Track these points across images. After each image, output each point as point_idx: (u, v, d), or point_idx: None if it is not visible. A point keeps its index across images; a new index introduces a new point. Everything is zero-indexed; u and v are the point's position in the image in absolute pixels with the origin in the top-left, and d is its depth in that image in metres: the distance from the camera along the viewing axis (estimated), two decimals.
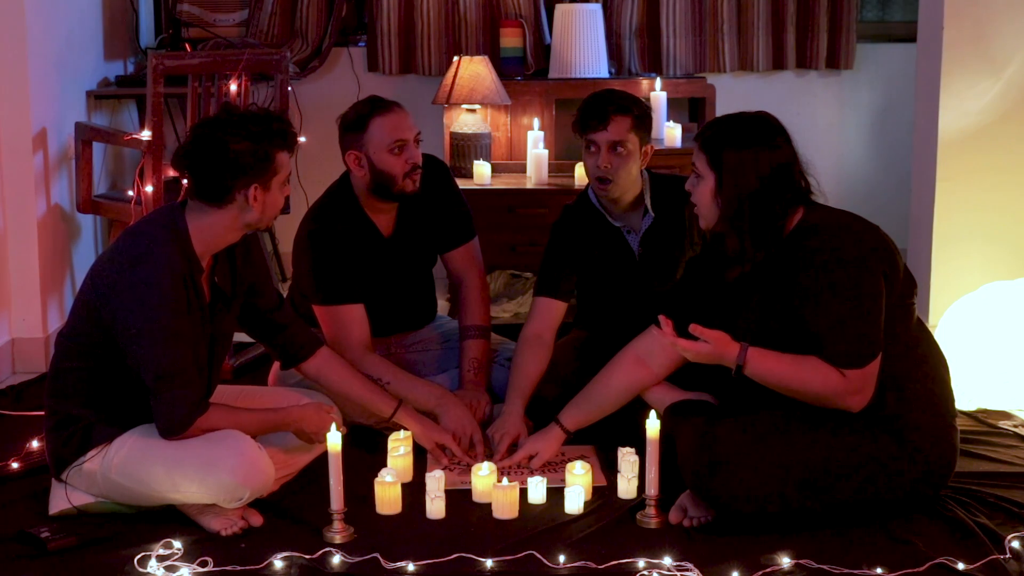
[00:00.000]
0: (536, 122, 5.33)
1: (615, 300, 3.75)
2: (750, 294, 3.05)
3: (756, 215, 2.95)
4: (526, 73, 5.60)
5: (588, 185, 3.74)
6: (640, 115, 3.58)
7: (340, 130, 3.72)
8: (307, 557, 2.88)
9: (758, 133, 2.98)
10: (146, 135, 4.35)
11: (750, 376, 2.93)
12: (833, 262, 2.88)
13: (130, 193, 4.43)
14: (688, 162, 3.25)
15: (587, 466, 3.25)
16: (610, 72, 5.62)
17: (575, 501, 3.15)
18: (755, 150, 2.95)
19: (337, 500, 2.98)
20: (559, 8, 5.48)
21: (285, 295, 3.90)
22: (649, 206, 3.66)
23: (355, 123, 3.63)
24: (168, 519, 3.07)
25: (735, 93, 5.54)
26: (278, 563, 2.85)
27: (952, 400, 3.07)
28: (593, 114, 3.55)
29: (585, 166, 3.64)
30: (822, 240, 2.92)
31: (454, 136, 5.23)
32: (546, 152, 5.16)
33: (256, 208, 3.02)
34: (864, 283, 2.89)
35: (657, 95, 5.27)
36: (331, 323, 3.64)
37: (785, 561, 2.83)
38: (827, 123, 5.96)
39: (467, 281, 3.87)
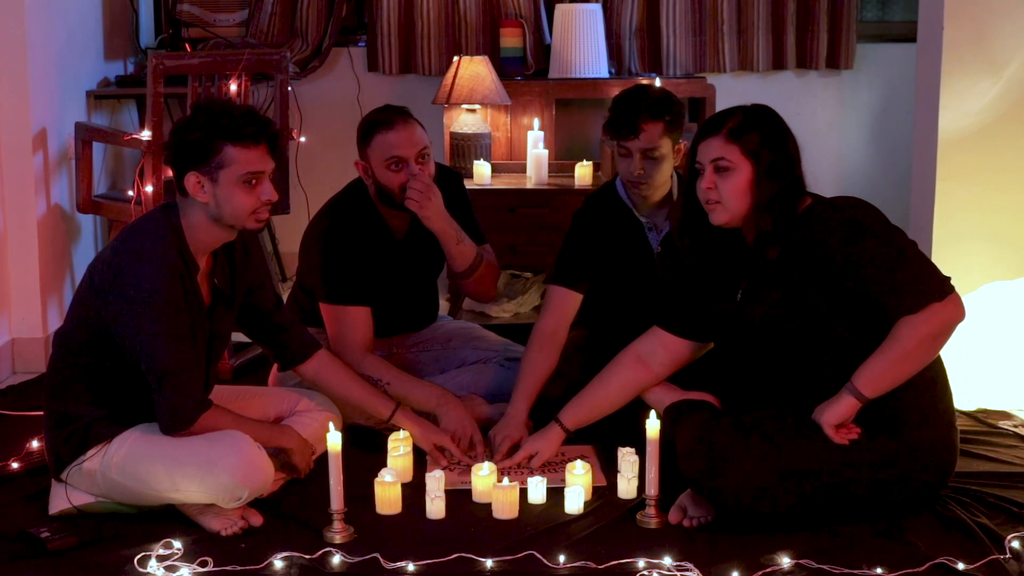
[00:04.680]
0: (536, 122, 5.33)
1: (627, 297, 3.72)
2: (760, 282, 3.04)
3: (787, 201, 2.98)
4: (526, 73, 5.60)
5: (615, 176, 3.71)
6: (672, 119, 3.54)
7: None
8: (307, 557, 2.88)
9: (780, 124, 3.03)
10: (146, 135, 4.35)
11: (876, 396, 2.92)
12: (865, 231, 2.91)
13: (130, 193, 4.44)
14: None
15: (587, 466, 3.25)
16: (610, 72, 5.62)
17: (575, 501, 3.15)
18: (783, 138, 3.00)
19: (337, 500, 2.98)
20: (559, 8, 5.48)
21: (285, 296, 3.91)
22: None
23: (363, 134, 3.63)
24: (168, 519, 3.07)
25: (735, 93, 5.53)
26: (278, 563, 2.85)
27: (951, 400, 3.07)
28: (623, 123, 3.51)
29: (618, 167, 3.61)
30: (843, 218, 2.94)
31: (454, 136, 5.23)
32: (546, 152, 5.17)
33: (206, 200, 3.00)
34: (900, 238, 2.93)
35: None
36: (335, 322, 3.63)
37: (785, 561, 2.83)
38: (827, 123, 5.97)
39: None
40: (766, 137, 2.99)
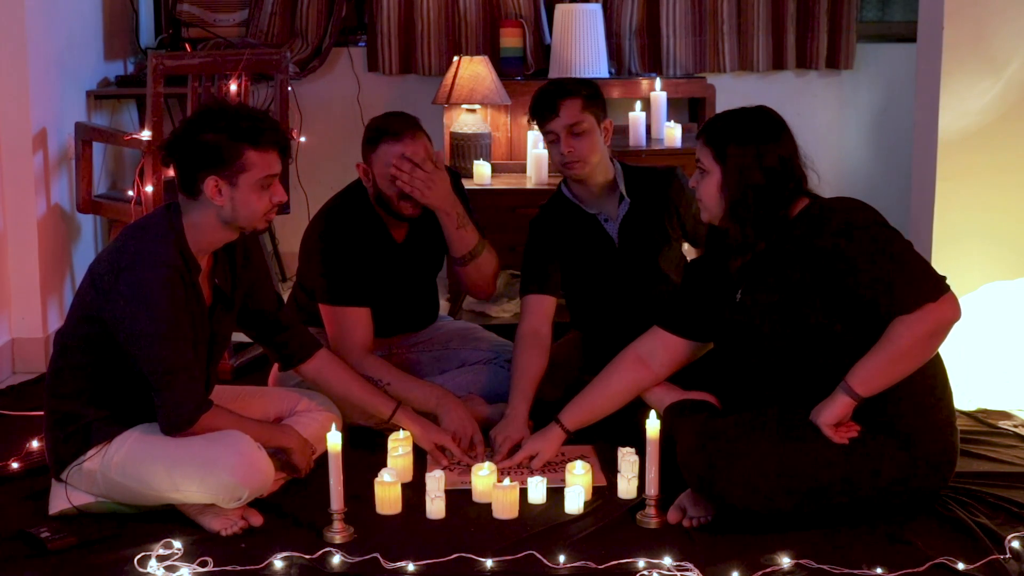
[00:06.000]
0: None
1: (600, 291, 3.77)
2: (757, 283, 3.05)
3: (760, 206, 2.98)
4: (526, 73, 5.60)
5: (560, 183, 3.77)
6: (588, 94, 3.63)
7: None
8: (307, 557, 2.88)
9: (761, 127, 3.02)
10: (146, 135, 4.36)
11: (871, 395, 2.92)
12: (860, 232, 2.91)
13: (130, 193, 4.44)
14: (689, 161, 3.27)
15: (587, 466, 3.25)
16: (610, 72, 5.62)
17: (575, 501, 3.15)
18: (760, 143, 2.99)
19: (337, 500, 2.98)
20: (559, 8, 5.48)
21: (286, 296, 3.91)
22: (624, 191, 3.69)
23: (369, 138, 3.63)
24: (168, 519, 3.07)
25: (735, 93, 5.54)
26: (278, 563, 2.85)
27: (951, 400, 3.07)
28: (542, 106, 3.63)
29: (551, 157, 3.72)
30: (839, 219, 2.94)
31: (454, 136, 5.23)
32: (546, 152, 5.15)
33: (222, 204, 2.99)
34: (895, 238, 2.93)
35: (657, 95, 5.27)
36: (335, 323, 3.64)
37: (785, 561, 2.83)
38: (827, 123, 5.96)
39: None
40: (738, 145, 2.99)
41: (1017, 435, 3.67)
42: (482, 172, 5.11)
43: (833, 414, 2.93)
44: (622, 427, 3.43)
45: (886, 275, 2.87)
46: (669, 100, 5.38)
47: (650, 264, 3.73)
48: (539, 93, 3.66)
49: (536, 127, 3.72)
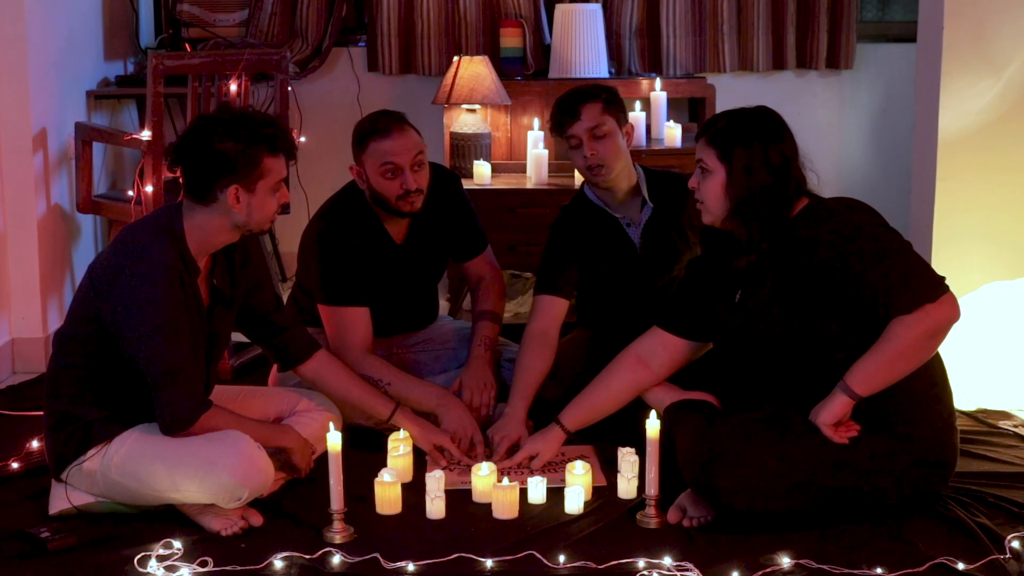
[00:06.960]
0: (536, 122, 5.33)
1: (617, 295, 3.75)
2: (757, 283, 3.05)
3: (765, 206, 2.98)
4: (526, 73, 5.60)
5: (583, 184, 3.76)
6: (608, 98, 3.62)
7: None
8: (307, 557, 2.88)
9: (765, 126, 3.03)
10: (146, 135, 4.35)
11: (870, 395, 2.92)
12: (860, 232, 2.91)
13: (130, 193, 4.44)
14: (689, 161, 3.26)
15: (587, 466, 3.25)
16: (610, 72, 5.62)
17: (575, 501, 3.15)
18: (765, 143, 2.99)
19: (337, 500, 2.98)
20: (559, 8, 5.48)
21: (286, 296, 3.91)
22: (647, 196, 3.68)
23: (358, 139, 3.63)
24: (168, 519, 3.07)
25: (735, 93, 5.54)
26: (278, 563, 2.85)
27: (951, 400, 3.08)
28: (563, 111, 3.61)
29: (575, 164, 3.68)
30: (839, 219, 2.94)
31: (454, 136, 5.23)
32: (546, 152, 5.16)
33: (239, 210, 3.01)
34: (894, 238, 2.93)
35: (657, 95, 5.27)
36: (334, 323, 3.64)
37: (785, 561, 2.83)
38: (827, 123, 5.96)
39: (485, 280, 3.89)
40: (744, 145, 2.99)
41: (1017, 435, 3.68)
42: (482, 172, 5.11)
43: (832, 414, 2.93)
44: (622, 427, 3.43)
45: (885, 275, 2.87)
46: (669, 100, 5.38)
47: (669, 269, 3.72)
48: (560, 100, 3.64)
49: (557, 135, 3.68)
